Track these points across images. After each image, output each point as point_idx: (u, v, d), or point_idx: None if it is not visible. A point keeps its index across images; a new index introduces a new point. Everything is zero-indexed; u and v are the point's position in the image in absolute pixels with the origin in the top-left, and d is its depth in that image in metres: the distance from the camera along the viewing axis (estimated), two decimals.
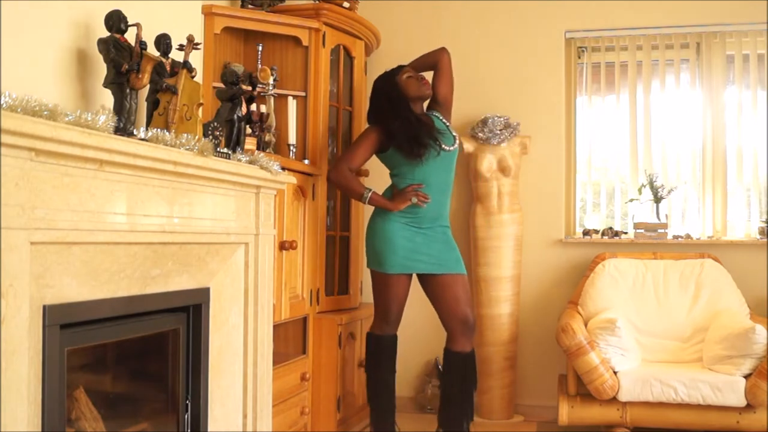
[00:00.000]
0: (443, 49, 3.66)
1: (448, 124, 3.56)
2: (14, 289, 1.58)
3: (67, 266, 1.81)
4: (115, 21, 2.17)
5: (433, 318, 4.42)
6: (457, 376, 3.45)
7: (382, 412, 3.51)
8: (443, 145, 3.41)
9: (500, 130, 4.29)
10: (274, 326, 2.93)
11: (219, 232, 2.45)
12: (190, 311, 2.50)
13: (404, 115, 3.41)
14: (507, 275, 4.22)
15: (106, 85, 2.17)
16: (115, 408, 2.33)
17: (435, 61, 3.64)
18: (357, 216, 4.23)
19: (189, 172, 2.18)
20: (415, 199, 3.35)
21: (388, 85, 3.48)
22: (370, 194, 3.41)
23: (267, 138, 3.54)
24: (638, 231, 4.25)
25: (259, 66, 3.71)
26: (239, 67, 3.46)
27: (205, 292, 2.53)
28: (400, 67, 3.55)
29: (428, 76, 3.65)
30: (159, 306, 2.30)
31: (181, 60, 2.45)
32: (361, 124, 4.21)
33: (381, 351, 3.53)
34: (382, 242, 3.43)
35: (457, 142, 3.52)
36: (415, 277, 3.54)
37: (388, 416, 3.52)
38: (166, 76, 2.39)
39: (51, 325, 1.77)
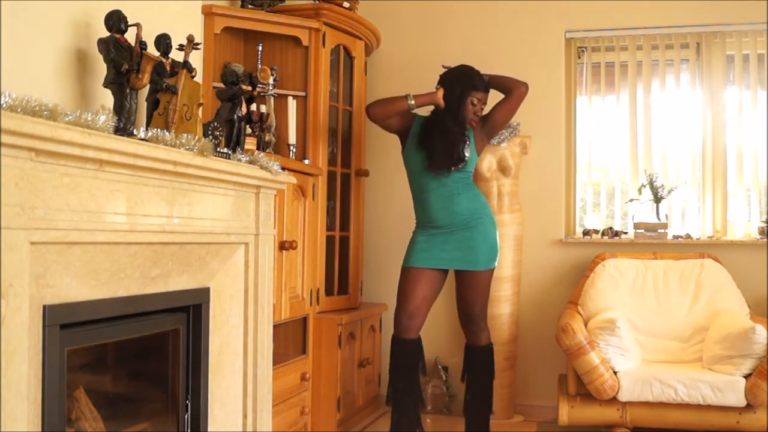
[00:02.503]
0: (525, 84, 3.55)
1: (467, 145, 3.46)
2: (14, 289, 1.58)
3: (67, 266, 1.81)
4: (115, 21, 2.17)
5: (433, 318, 4.44)
6: (472, 369, 3.56)
7: (395, 414, 3.48)
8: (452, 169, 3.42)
9: None
10: (274, 326, 2.93)
11: (219, 232, 2.45)
12: (190, 311, 2.50)
13: (443, 125, 3.42)
14: (507, 275, 4.22)
15: (106, 85, 2.17)
16: (115, 408, 2.33)
17: (510, 89, 3.54)
18: (357, 216, 4.23)
19: (189, 172, 2.18)
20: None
21: (459, 93, 3.42)
22: (412, 97, 3.44)
23: (267, 138, 3.54)
24: (638, 231, 4.25)
25: (259, 66, 3.71)
26: (239, 67, 3.46)
27: (205, 292, 2.53)
28: (482, 80, 3.48)
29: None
30: (159, 306, 2.30)
31: (181, 60, 2.45)
32: (361, 124, 4.21)
33: (397, 352, 3.48)
34: (408, 247, 3.56)
35: (466, 162, 3.44)
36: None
37: (400, 419, 3.46)
38: (166, 76, 2.39)
39: (51, 325, 1.78)
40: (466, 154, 3.45)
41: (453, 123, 3.42)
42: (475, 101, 3.44)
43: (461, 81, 3.46)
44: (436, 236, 3.46)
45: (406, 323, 3.44)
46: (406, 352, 3.45)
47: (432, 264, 3.46)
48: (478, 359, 3.55)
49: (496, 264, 3.54)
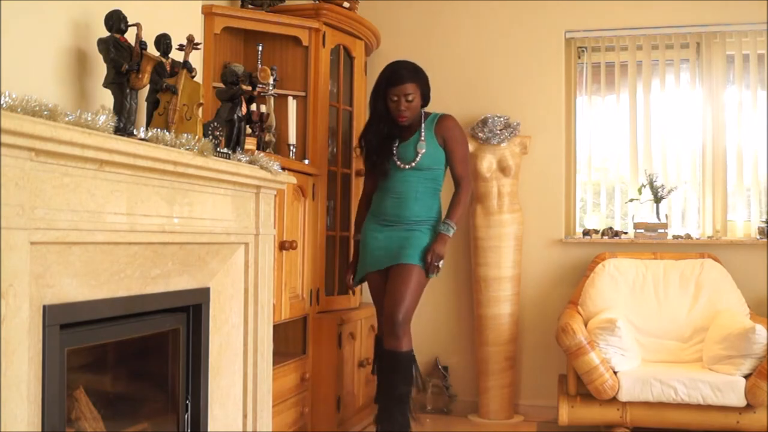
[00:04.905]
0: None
1: (422, 137, 3.40)
2: (14, 289, 1.58)
3: (67, 266, 1.81)
4: (115, 21, 2.17)
5: (432, 318, 4.44)
6: (386, 373, 3.33)
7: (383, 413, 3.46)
8: (399, 163, 3.39)
9: (500, 130, 4.29)
10: (274, 326, 2.93)
11: (219, 232, 2.44)
12: (190, 311, 2.50)
13: (375, 127, 3.43)
14: (507, 275, 4.22)
15: (106, 85, 2.17)
16: (115, 408, 2.33)
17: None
18: None
19: (189, 172, 2.18)
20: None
21: (380, 90, 3.39)
22: (356, 240, 3.59)
23: (267, 138, 3.54)
24: (638, 231, 4.25)
25: (259, 66, 3.71)
26: (239, 67, 3.46)
27: (205, 292, 2.53)
28: (397, 75, 3.35)
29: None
30: (159, 306, 2.30)
31: (181, 60, 2.44)
32: (361, 124, 4.21)
33: (377, 353, 3.47)
34: (361, 246, 3.50)
35: (419, 159, 3.36)
36: None
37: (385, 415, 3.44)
38: (166, 76, 2.39)
39: (51, 325, 1.77)
40: (420, 150, 3.38)
41: (381, 122, 3.42)
42: (395, 98, 3.35)
43: (376, 85, 3.44)
44: (381, 233, 3.39)
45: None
46: (380, 349, 3.43)
47: (374, 267, 3.42)
48: (400, 367, 3.29)
49: (423, 268, 3.31)
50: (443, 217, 3.44)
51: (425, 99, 3.45)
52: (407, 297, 3.27)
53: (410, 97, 3.35)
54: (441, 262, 3.33)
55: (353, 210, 4.17)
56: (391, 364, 3.30)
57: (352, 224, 4.19)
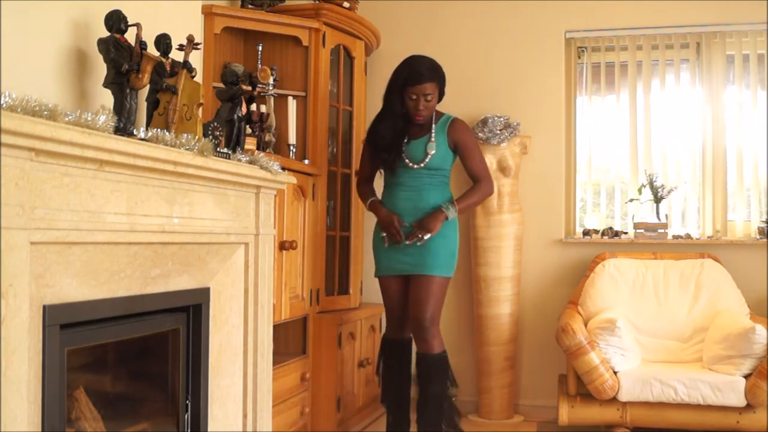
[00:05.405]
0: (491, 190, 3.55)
1: (432, 138, 3.37)
2: (14, 289, 1.58)
3: (67, 266, 1.81)
4: (115, 21, 2.17)
5: None
6: (423, 377, 3.31)
7: (391, 414, 3.45)
8: (407, 161, 3.35)
9: (500, 130, 4.29)
10: (274, 326, 2.93)
11: (219, 232, 2.44)
12: (190, 311, 2.50)
13: (389, 123, 3.37)
14: (507, 275, 4.22)
15: (106, 85, 2.17)
16: (115, 408, 2.33)
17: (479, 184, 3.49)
18: (357, 216, 4.23)
19: (189, 172, 2.18)
20: (383, 234, 3.36)
21: (397, 87, 3.33)
22: (369, 201, 3.46)
23: (267, 138, 3.54)
24: (638, 231, 4.25)
25: (259, 66, 3.71)
26: (239, 67, 3.46)
27: (205, 292, 2.53)
28: (416, 73, 3.29)
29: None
30: (159, 306, 2.30)
31: (181, 60, 2.44)
32: (361, 124, 4.21)
33: (387, 353, 3.48)
34: (374, 247, 3.47)
35: (428, 160, 3.33)
36: None
37: (398, 419, 3.43)
38: (166, 76, 2.39)
39: (51, 325, 1.77)
40: (430, 152, 3.34)
41: (396, 119, 3.36)
42: (413, 97, 3.29)
43: (392, 80, 3.38)
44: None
45: (395, 332, 3.45)
46: (389, 348, 3.46)
47: (394, 272, 3.38)
48: (433, 369, 3.29)
49: (452, 274, 3.36)
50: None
51: (441, 96, 3.43)
52: (431, 300, 3.27)
53: (429, 97, 3.31)
54: (428, 235, 3.26)
55: (353, 210, 4.18)
56: (424, 367, 3.30)
57: (358, 218, 4.20)
